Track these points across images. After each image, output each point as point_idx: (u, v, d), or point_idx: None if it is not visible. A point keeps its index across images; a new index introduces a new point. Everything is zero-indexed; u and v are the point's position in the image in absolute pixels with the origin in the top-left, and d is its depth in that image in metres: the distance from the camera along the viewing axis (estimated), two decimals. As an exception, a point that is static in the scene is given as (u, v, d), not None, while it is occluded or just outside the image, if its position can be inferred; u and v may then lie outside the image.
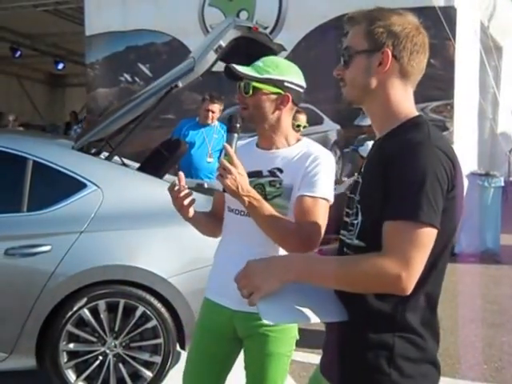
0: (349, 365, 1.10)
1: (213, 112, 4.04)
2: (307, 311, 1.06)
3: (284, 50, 2.95)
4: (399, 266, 0.98)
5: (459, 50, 5.63)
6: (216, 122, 4.16)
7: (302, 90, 1.54)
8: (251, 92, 1.48)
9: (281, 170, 1.49)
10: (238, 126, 1.43)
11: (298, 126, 3.83)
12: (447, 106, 5.53)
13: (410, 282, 0.99)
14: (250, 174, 1.47)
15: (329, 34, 5.83)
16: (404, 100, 1.12)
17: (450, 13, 5.53)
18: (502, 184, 5.70)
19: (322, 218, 1.46)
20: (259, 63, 1.53)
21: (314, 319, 1.06)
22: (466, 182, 4.88)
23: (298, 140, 1.56)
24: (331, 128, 6.06)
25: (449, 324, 3.38)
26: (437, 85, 5.37)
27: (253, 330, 1.52)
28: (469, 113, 6.25)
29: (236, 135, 1.43)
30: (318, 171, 1.46)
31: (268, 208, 1.41)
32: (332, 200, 1.51)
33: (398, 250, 0.99)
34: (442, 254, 1.07)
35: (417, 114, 1.13)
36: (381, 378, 1.05)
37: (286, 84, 1.50)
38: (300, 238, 1.41)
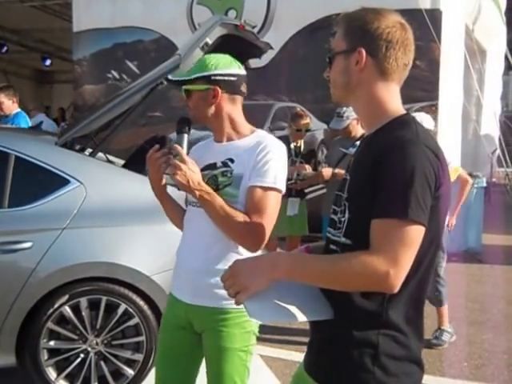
0: (333, 362, 1.09)
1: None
2: (294, 310, 1.07)
3: (271, 48, 2.94)
4: (387, 263, 0.98)
5: (444, 52, 5.71)
6: (13, 112, 4.49)
7: (234, 78, 1.53)
8: (186, 95, 1.56)
9: (232, 160, 1.51)
10: (187, 127, 1.53)
11: (299, 130, 3.74)
12: (432, 108, 5.59)
13: (398, 280, 0.99)
14: (206, 167, 1.53)
15: (317, 34, 5.86)
16: (389, 98, 1.12)
17: (435, 15, 5.60)
18: (485, 185, 5.79)
19: (272, 208, 1.46)
20: (192, 65, 1.60)
21: (301, 318, 1.07)
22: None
23: (253, 131, 1.56)
24: (318, 127, 6.09)
25: (430, 322, 3.42)
26: (422, 86, 5.44)
27: (207, 324, 1.52)
28: (453, 114, 6.33)
29: (186, 135, 1.52)
30: (267, 160, 1.46)
31: (219, 201, 1.44)
32: (284, 190, 1.50)
33: (386, 247, 0.99)
34: (428, 252, 1.06)
35: (404, 112, 1.13)
36: (365, 375, 1.05)
37: (212, 78, 1.52)
38: (249, 230, 1.43)
